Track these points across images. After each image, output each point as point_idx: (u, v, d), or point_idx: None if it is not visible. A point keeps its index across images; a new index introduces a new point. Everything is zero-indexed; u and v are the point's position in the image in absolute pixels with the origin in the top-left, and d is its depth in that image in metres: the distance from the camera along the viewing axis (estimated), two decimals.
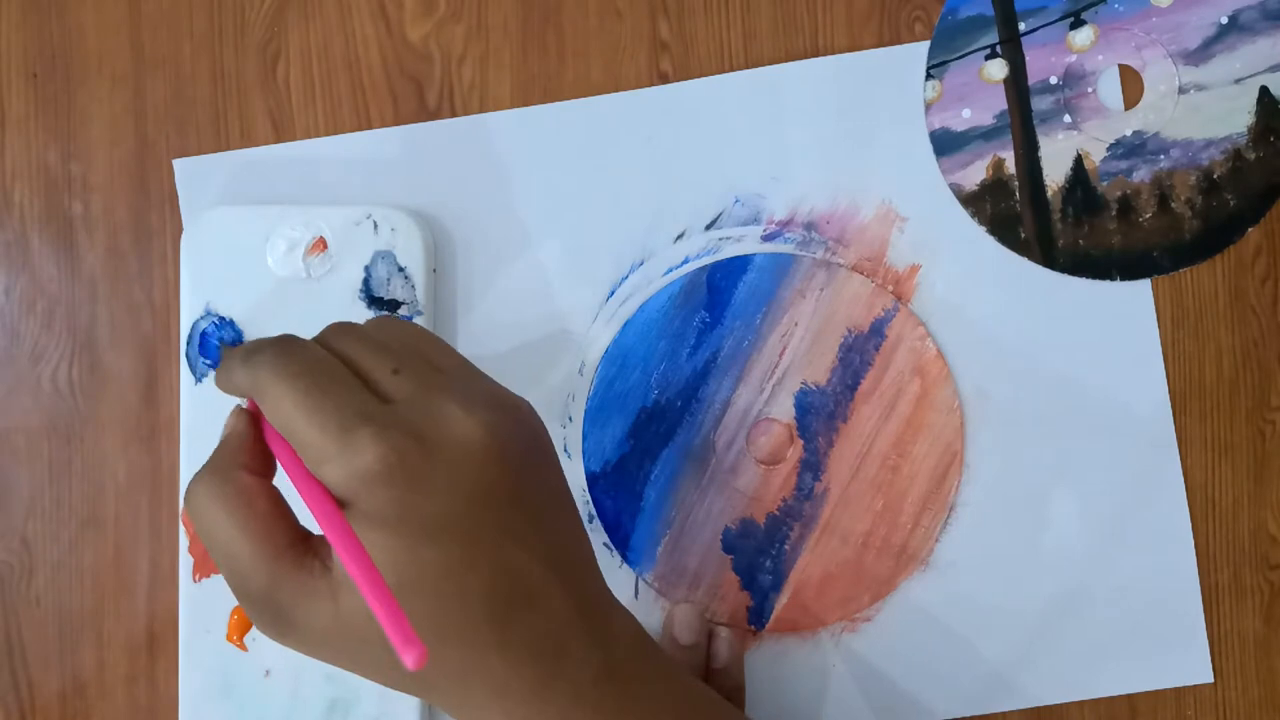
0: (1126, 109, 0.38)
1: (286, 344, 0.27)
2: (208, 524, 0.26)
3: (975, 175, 0.38)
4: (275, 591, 0.26)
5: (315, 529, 0.26)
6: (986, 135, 0.38)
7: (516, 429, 0.27)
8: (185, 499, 0.27)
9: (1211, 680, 0.37)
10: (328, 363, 0.27)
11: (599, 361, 0.37)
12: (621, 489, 0.37)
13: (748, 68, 0.38)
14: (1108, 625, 0.37)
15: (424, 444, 0.25)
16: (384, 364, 0.27)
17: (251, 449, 0.28)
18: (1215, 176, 0.37)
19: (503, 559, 0.26)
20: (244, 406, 0.29)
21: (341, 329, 0.29)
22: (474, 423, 0.26)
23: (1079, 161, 0.38)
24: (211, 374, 0.36)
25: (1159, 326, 0.38)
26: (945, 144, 0.38)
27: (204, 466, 0.27)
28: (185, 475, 0.36)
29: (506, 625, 0.26)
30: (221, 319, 0.36)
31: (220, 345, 0.36)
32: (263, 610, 0.26)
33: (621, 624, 0.28)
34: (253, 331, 0.36)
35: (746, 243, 0.38)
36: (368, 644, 0.25)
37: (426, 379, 0.27)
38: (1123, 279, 0.38)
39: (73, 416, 0.38)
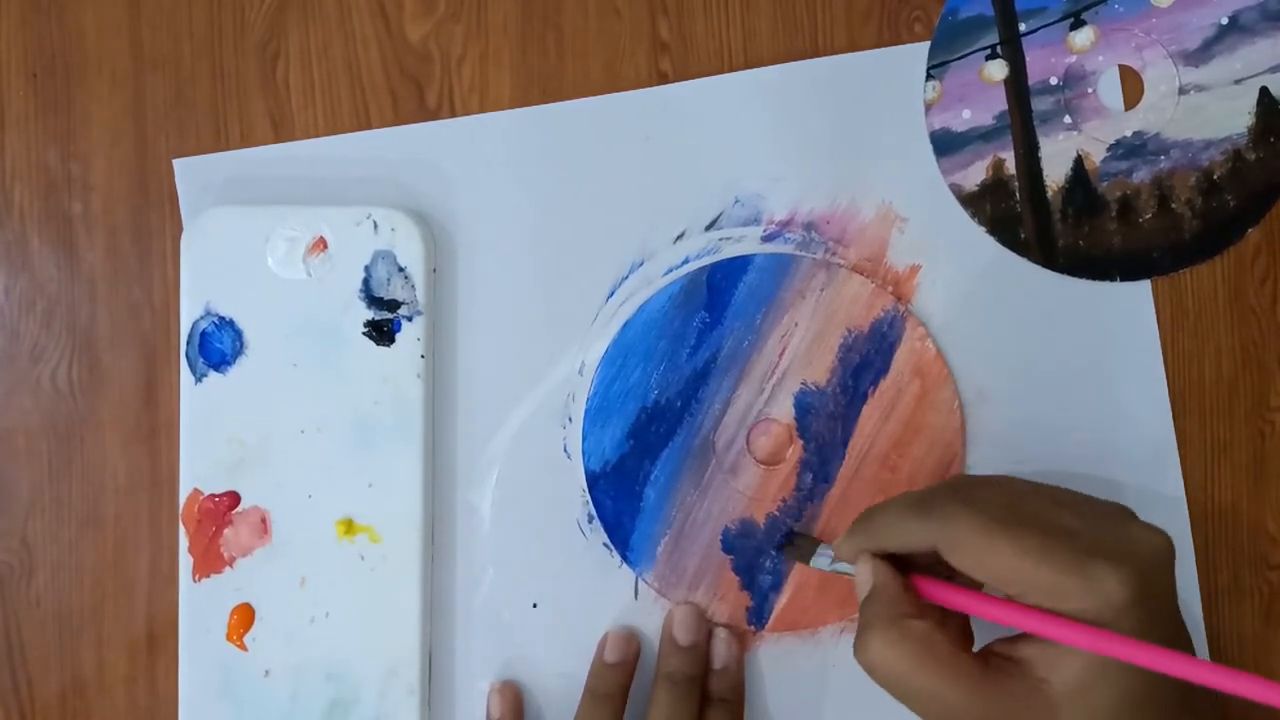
0: (1127, 109, 0.38)
1: (960, 491, 0.30)
2: (899, 677, 0.28)
3: (975, 176, 0.38)
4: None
5: None
6: (986, 136, 0.38)
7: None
8: (864, 659, 0.29)
9: None
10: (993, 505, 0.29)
11: (599, 361, 0.37)
12: (621, 489, 0.37)
13: (748, 68, 0.38)
14: None
15: (1140, 563, 0.27)
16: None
17: (906, 597, 0.29)
18: (1215, 177, 0.37)
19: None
20: (862, 563, 0.30)
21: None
22: (1156, 533, 0.28)
23: (1079, 162, 0.38)
24: (211, 374, 0.36)
25: (1159, 326, 0.38)
26: (945, 144, 0.38)
27: (867, 625, 0.29)
28: (185, 475, 0.36)
29: None
30: (221, 319, 0.36)
31: (795, 533, 0.36)
32: None
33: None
34: (253, 331, 0.36)
35: (746, 243, 0.38)
36: None
37: (1092, 505, 0.29)
38: (1123, 279, 0.38)
39: (72, 416, 0.38)
